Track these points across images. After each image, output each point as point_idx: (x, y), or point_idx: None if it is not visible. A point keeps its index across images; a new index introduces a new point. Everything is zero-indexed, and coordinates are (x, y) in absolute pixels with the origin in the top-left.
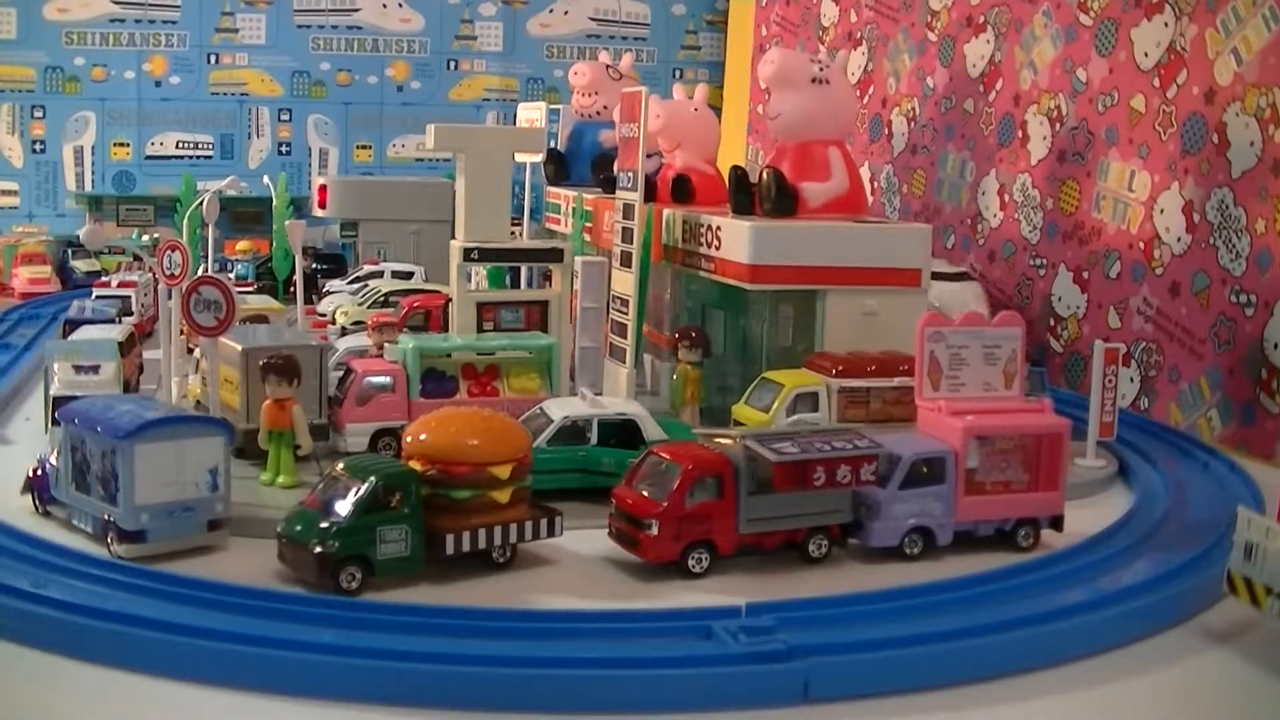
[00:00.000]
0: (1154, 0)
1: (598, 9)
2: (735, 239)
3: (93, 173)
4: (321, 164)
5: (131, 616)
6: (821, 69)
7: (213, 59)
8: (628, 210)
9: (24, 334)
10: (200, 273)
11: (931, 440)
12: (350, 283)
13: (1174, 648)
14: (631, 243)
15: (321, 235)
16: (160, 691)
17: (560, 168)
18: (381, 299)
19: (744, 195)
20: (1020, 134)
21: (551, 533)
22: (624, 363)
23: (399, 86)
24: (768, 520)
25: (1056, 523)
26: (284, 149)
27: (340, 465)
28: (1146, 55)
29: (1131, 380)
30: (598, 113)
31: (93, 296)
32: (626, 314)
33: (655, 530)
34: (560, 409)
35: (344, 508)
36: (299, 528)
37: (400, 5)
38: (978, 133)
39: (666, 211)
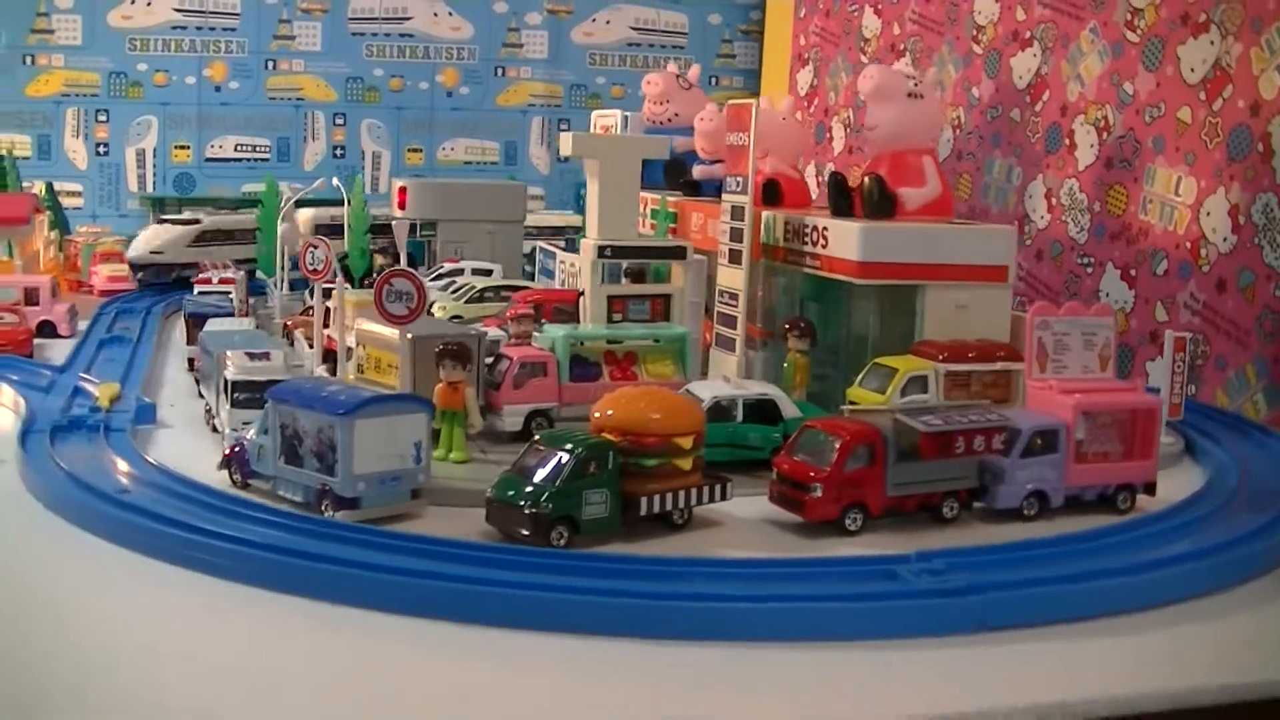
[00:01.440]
0: (1200, 20)
1: (638, 19)
2: (844, 238)
3: (154, 174)
4: (375, 167)
5: (356, 562)
6: (915, 84)
7: (270, 65)
8: (736, 212)
9: (126, 327)
10: (285, 271)
11: (1045, 415)
12: (433, 280)
13: (1268, 590)
14: (740, 241)
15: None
16: (379, 623)
17: None
18: (477, 295)
19: (844, 199)
20: (1067, 142)
21: (724, 496)
22: (733, 351)
23: (449, 92)
24: (911, 485)
25: (1150, 488)
26: (338, 152)
27: (538, 437)
28: (1193, 70)
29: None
30: (669, 120)
31: (195, 292)
32: (735, 307)
33: (819, 493)
34: (707, 390)
35: (552, 474)
36: (510, 492)
37: (450, 14)
38: (1024, 140)
39: (766, 213)
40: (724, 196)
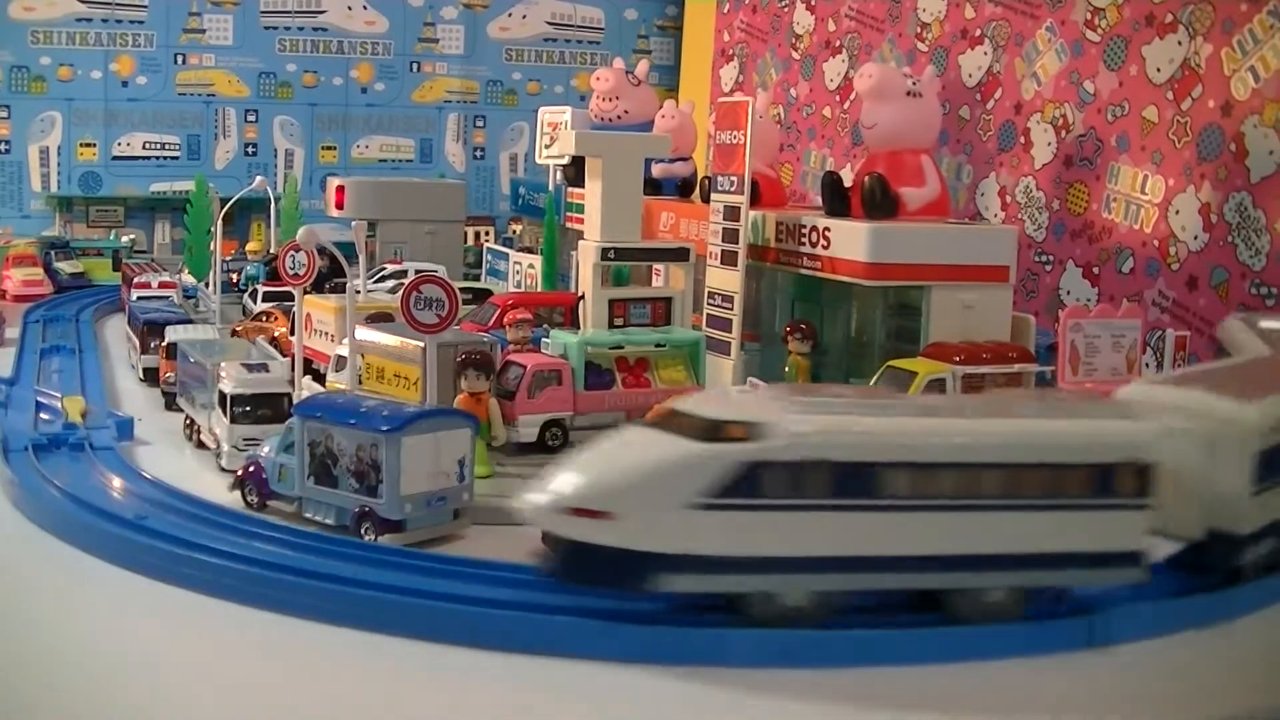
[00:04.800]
0: (1166, 21)
1: (555, 14)
2: (850, 239)
3: (59, 173)
4: (288, 164)
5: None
6: (914, 83)
7: (180, 59)
8: (730, 212)
9: (61, 335)
10: (211, 274)
11: None
12: (376, 282)
13: None
14: (734, 242)
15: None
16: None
17: (581, 170)
18: None
19: (840, 199)
20: (1023, 140)
21: None
22: (728, 355)
23: (363, 88)
24: None
25: None
26: (250, 150)
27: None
28: (1159, 70)
29: (1147, 365)
30: (618, 117)
31: (134, 298)
32: (730, 309)
33: None
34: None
35: None
36: None
37: (365, 7)
38: (975, 138)
39: (755, 213)
40: (714, 197)
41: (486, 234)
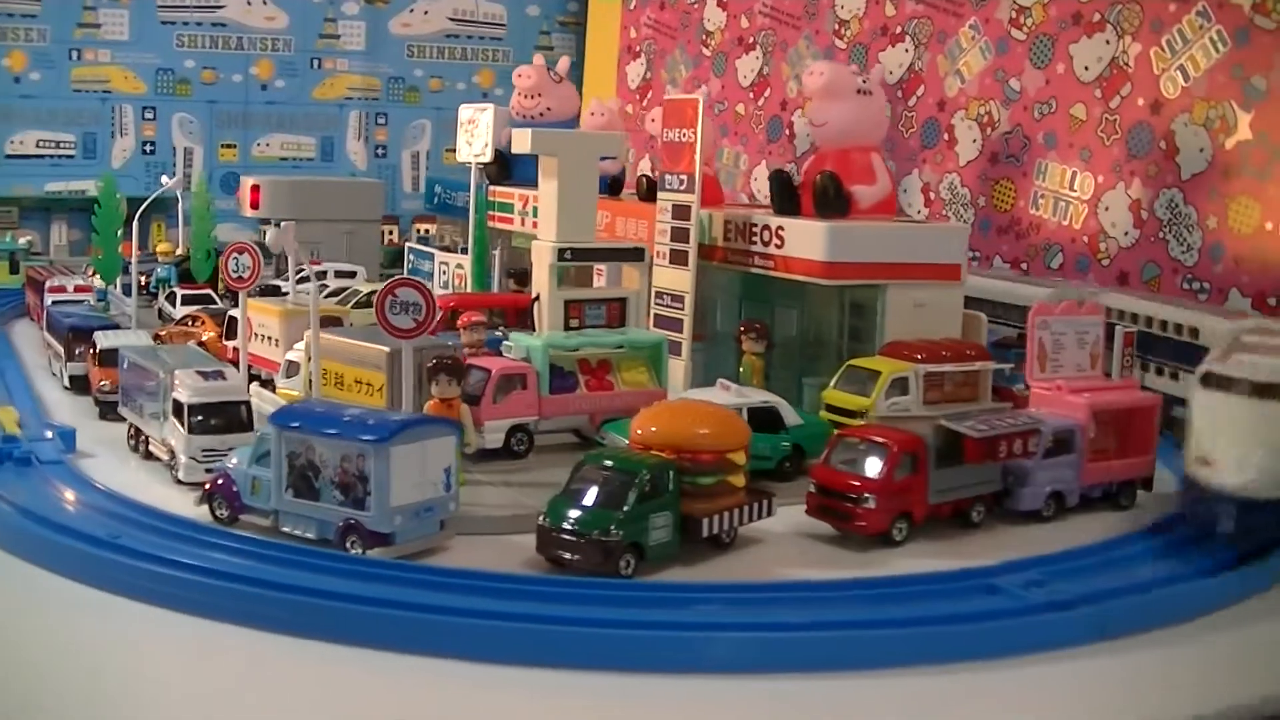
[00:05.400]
0: (1094, 20)
1: (456, 9)
2: (806, 238)
3: None
4: (187, 163)
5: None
6: (865, 81)
7: (75, 55)
8: (679, 211)
9: None
10: (122, 277)
11: (1058, 415)
12: (298, 283)
13: None
14: (684, 241)
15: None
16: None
17: (503, 167)
18: (365, 299)
19: (789, 197)
20: (946, 137)
21: (770, 512)
22: (679, 355)
23: (263, 85)
24: (949, 491)
25: (1148, 483)
26: (148, 148)
27: (587, 458)
28: (1087, 69)
29: None
30: (540, 114)
31: (49, 302)
32: (680, 309)
33: (872, 504)
34: (704, 397)
35: (615, 498)
36: (570, 519)
37: (265, 2)
38: (898, 135)
39: (703, 211)
40: (661, 195)
41: (391, 233)
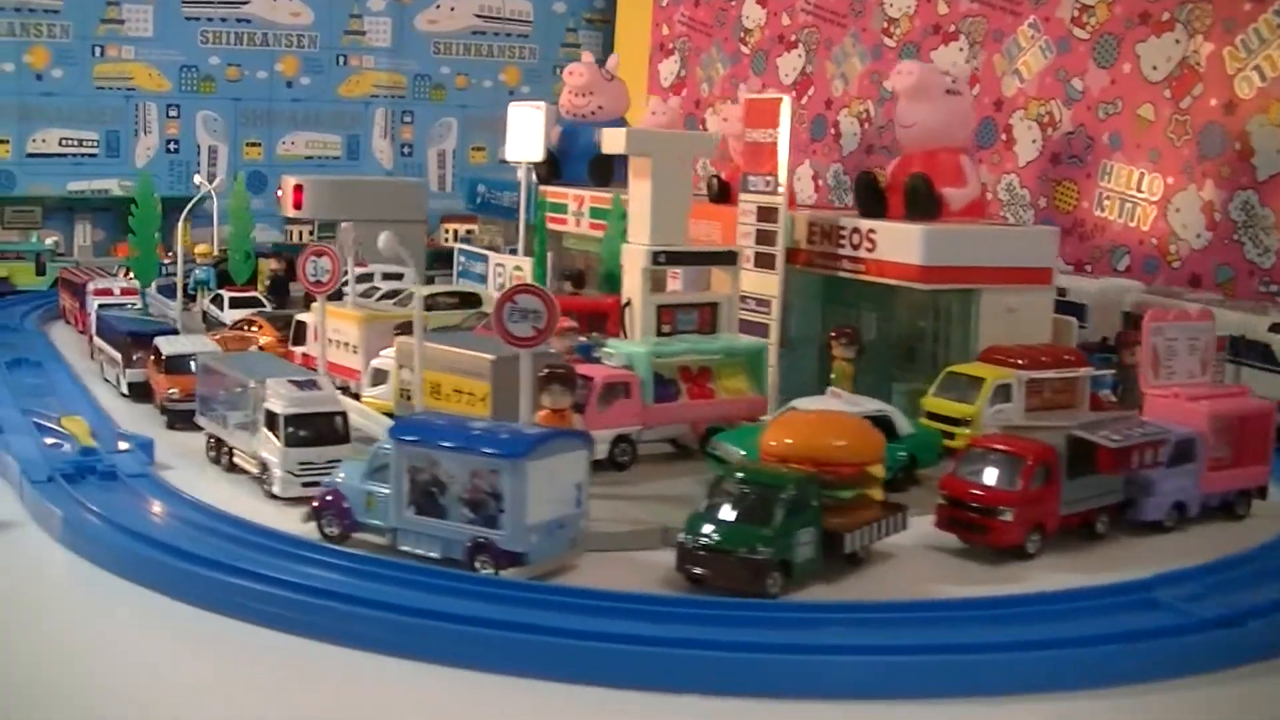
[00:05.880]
0: (1163, 19)
1: (483, 6)
2: (901, 241)
3: None
4: (211, 162)
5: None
6: (954, 81)
7: (98, 51)
8: (766, 213)
9: (13, 346)
10: (161, 278)
11: (1180, 424)
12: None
13: None
14: (770, 244)
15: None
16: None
17: (553, 167)
18: (444, 302)
19: (875, 199)
20: (1004, 137)
21: (904, 525)
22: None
23: (288, 82)
24: (1079, 502)
25: (1262, 492)
26: (172, 146)
27: (724, 473)
28: (1155, 69)
29: None
30: (592, 113)
31: (95, 306)
32: (767, 313)
33: (1009, 517)
34: (814, 406)
35: (761, 514)
36: (713, 536)
37: None
38: None
39: (787, 213)
40: (744, 197)
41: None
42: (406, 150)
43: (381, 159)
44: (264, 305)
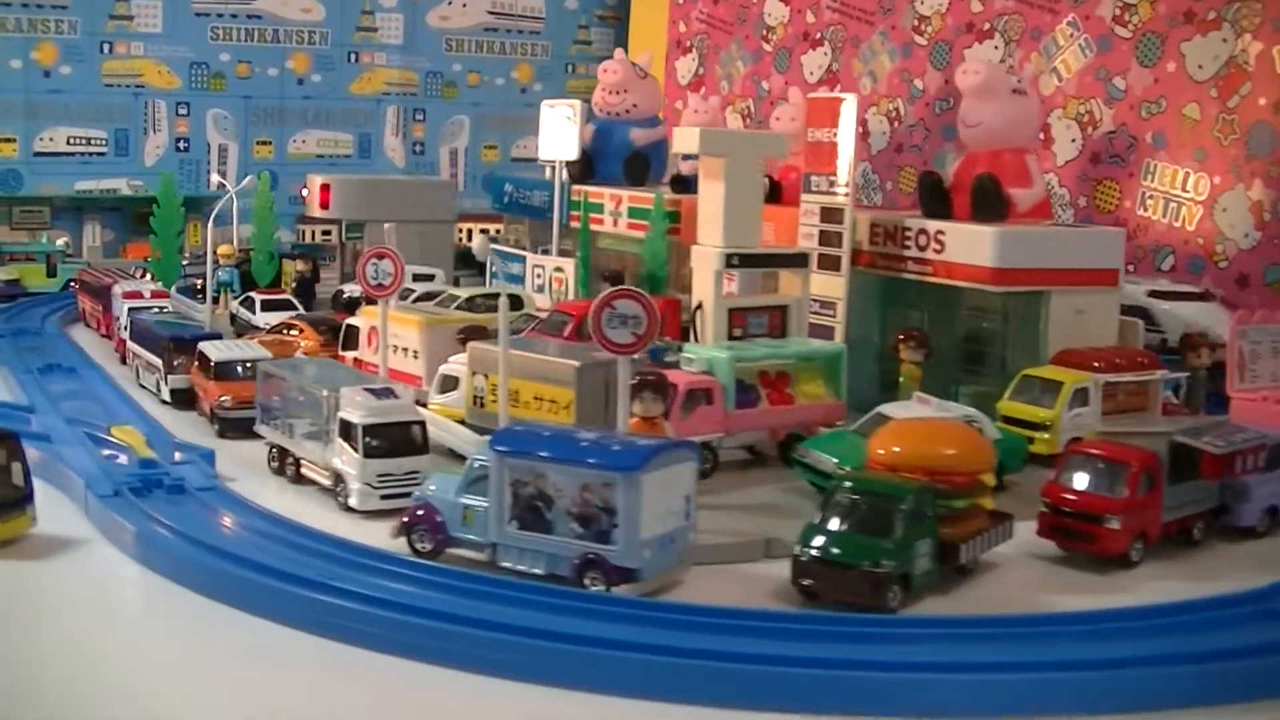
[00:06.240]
0: (1209, 18)
1: (495, 2)
2: (971, 243)
3: None
4: (221, 160)
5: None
6: (1020, 80)
7: (106, 48)
8: (830, 214)
9: (40, 351)
10: (182, 280)
11: (1268, 427)
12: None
13: None
14: (835, 245)
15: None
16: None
17: (586, 166)
18: (465, 303)
19: (939, 200)
20: (1042, 136)
21: (1010, 534)
22: None
23: (299, 79)
24: (1179, 508)
25: None
26: (182, 145)
27: (838, 483)
28: (1201, 68)
29: None
30: (626, 111)
31: (126, 309)
32: (831, 316)
33: (1116, 524)
34: (906, 413)
35: (881, 525)
36: (831, 548)
37: None
38: None
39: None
40: (805, 197)
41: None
42: (418, 148)
43: (393, 157)
44: (297, 308)
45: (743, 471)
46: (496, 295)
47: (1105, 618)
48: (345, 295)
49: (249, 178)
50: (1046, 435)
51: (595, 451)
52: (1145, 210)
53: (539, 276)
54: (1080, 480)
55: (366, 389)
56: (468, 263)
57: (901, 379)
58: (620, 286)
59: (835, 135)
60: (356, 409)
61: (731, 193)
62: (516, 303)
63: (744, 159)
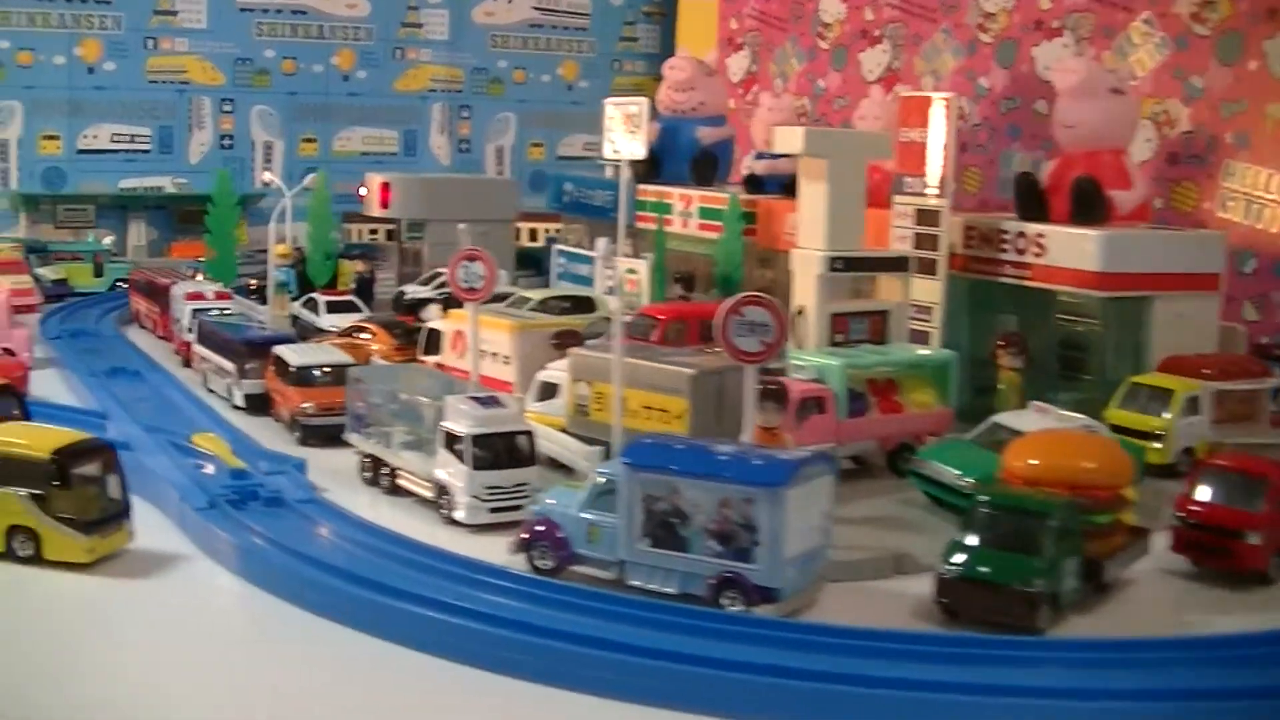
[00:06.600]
0: None
1: None
2: (1074, 247)
3: (18, 169)
4: (266, 158)
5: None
6: (1119, 80)
7: (150, 44)
8: (927, 216)
9: (101, 353)
10: (239, 280)
11: None
12: (436, 289)
13: None
14: (931, 249)
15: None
16: None
17: (651, 165)
18: (539, 305)
19: (1036, 202)
20: None
21: (1148, 550)
22: None
23: (345, 76)
24: None
25: None
26: (226, 142)
27: (981, 497)
28: None
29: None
30: (693, 109)
31: (190, 310)
32: (928, 321)
33: (1257, 540)
34: (1021, 423)
35: (1030, 542)
36: (978, 566)
37: None
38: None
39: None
40: (897, 199)
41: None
42: (464, 146)
43: (439, 155)
44: (363, 310)
45: (852, 482)
46: (569, 297)
47: (1253, 641)
48: (408, 297)
49: (310, 175)
50: (1159, 445)
51: (736, 466)
52: (1225, 212)
53: (609, 278)
54: (1214, 494)
55: (472, 397)
56: (527, 263)
57: (1001, 386)
58: (749, 293)
59: (924, 135)
60: (463, 419)
61: (835, 194)
62: (587, 305)
63: (847, 160)
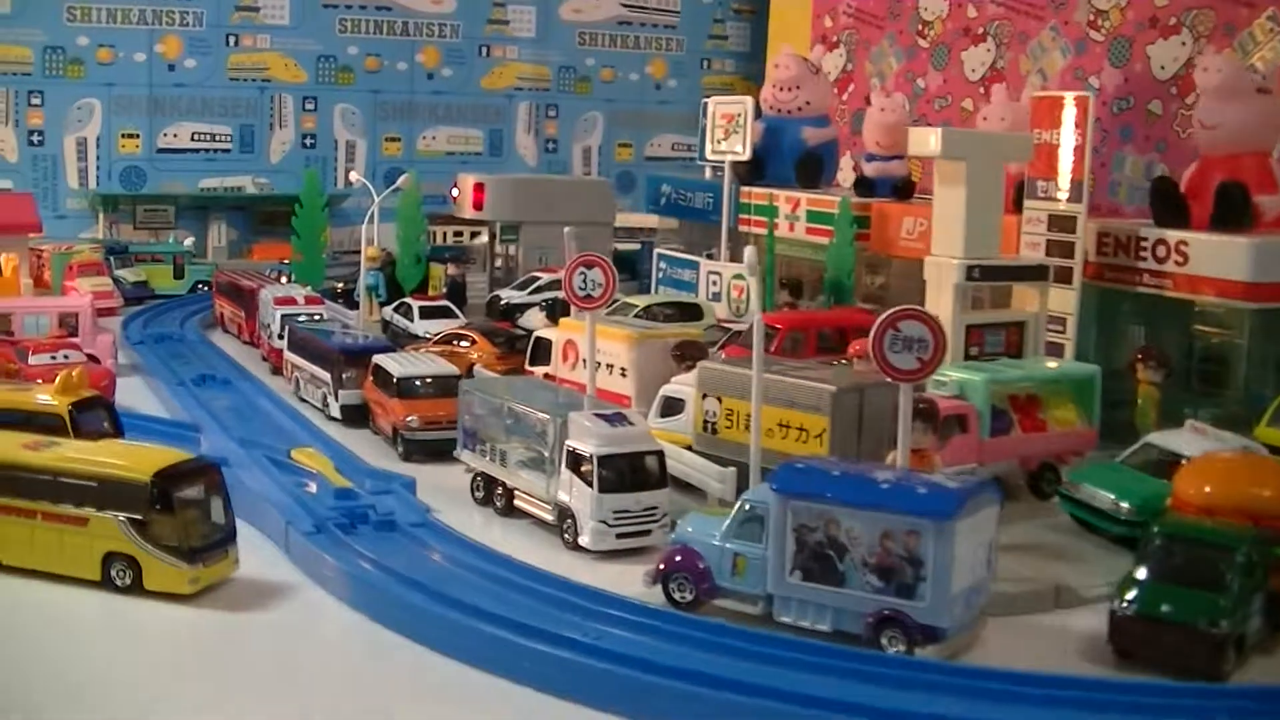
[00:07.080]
0: None
1: None
2: (1221, 255)
3: (98, 168)
4: (349, 158)
5: None
6: (1264, 78)
7: (232, 41)
8: (1061, 223)
9: (187, 360)
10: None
11: None
12: (531, 293)
13: None
14: (1066, 256)
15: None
16: None
17: (754, 167)
18: (643, 313)
19: (1175, 207)
20: None
21: None
22: None
23: (429, 74)
24: None
25: None
26: (308, 141)
27: (1158, 528)
28: None
29: None
30: (798, 109)
31: (279, 315)
32: (1062, 332)
33: None
34: (1178, 444)
35: (1213, 578)
36: (1163, 606)
37: None
38: (1171, 135)
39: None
40: (1029, 204)
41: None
42: (551, 146)
43: (525, 155)
44: (459, 316)
45: None
46: (675, 304)
47: None
48: (504, 302)
49: (402, 176)
50: None
51: (900, 495)
52: None
53: (715, 284)
54: None
55: (598, 414)
56: (620, 267)
57: (1140, 400)
58: (906, 306)
59: (1057, 137)
60: (589, 438)
61: (973, 199)
62: (694, 311)
63: (986, 162)
